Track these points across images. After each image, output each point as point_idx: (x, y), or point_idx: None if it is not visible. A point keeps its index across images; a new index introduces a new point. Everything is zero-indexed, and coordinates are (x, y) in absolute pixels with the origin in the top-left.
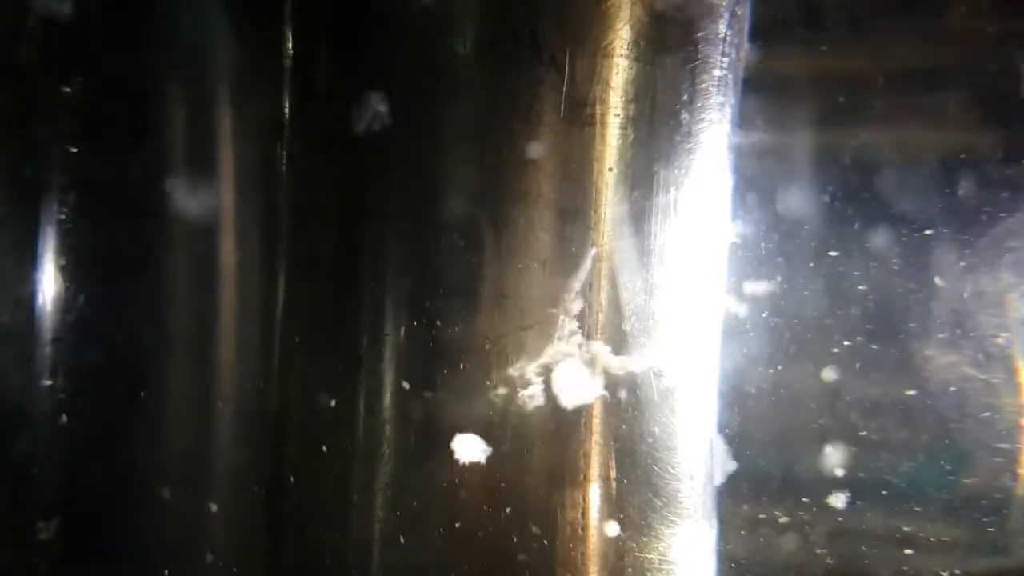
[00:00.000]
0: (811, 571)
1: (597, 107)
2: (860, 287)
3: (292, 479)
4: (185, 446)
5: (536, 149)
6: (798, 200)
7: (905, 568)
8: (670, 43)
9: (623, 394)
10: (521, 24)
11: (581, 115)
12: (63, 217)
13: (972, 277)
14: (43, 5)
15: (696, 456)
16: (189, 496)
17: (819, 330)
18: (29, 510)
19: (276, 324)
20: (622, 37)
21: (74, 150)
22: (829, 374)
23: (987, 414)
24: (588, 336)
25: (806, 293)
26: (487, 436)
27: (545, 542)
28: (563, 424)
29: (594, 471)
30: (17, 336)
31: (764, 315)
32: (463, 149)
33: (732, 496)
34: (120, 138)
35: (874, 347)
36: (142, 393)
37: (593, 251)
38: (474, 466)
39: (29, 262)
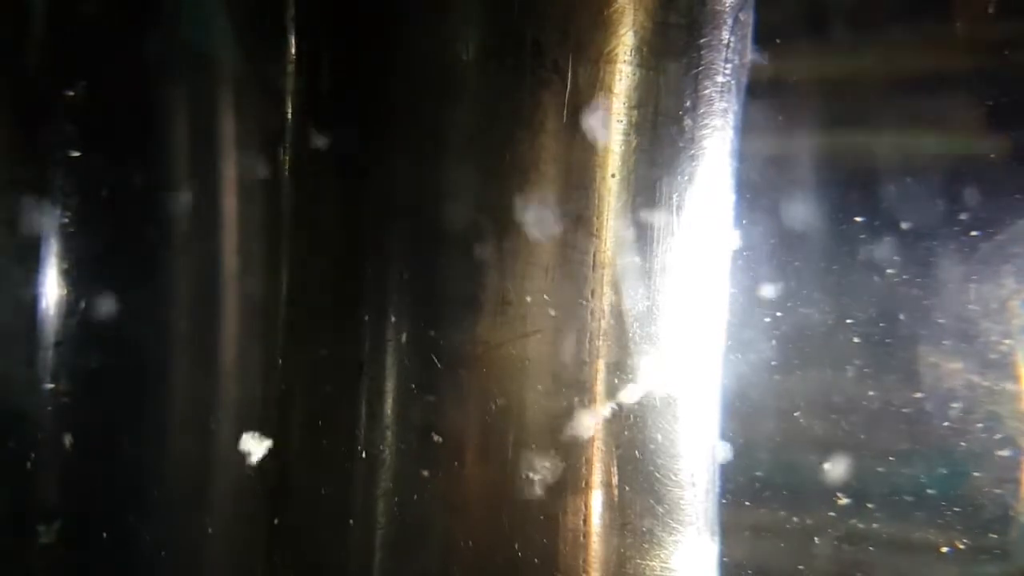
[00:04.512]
0: None
1: (600, 113)
2: (863, 294)
3: (293, 483)
4: (187, 450)
5: (538, 155)
6: (801, 207)
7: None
8: (673, 49)
9: (625, 401)
10: (523, 31)
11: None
12: (66, 221)
13: (975, 284)
14: None
15: (698, 463)
16: (190, 499)
17: (822, 337)
18: (30, 513)
19: (278, 329)
20: (625, 43)
21: (76, 154)
22: (832, 381)
23: (990, 421)
24: (591, 342)
25: (809, 300)
26: (488, 440)
27: (547, 549)
28: (565, 430)
29: (596, 478)
30: (19, 339)
31: (767, 322)
32: (465, 155)
33: (734, 503)
34: (122, 142)
35: (877, 354)
36: (144, 397)
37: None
38: (476, 471)
39: (32, 266)
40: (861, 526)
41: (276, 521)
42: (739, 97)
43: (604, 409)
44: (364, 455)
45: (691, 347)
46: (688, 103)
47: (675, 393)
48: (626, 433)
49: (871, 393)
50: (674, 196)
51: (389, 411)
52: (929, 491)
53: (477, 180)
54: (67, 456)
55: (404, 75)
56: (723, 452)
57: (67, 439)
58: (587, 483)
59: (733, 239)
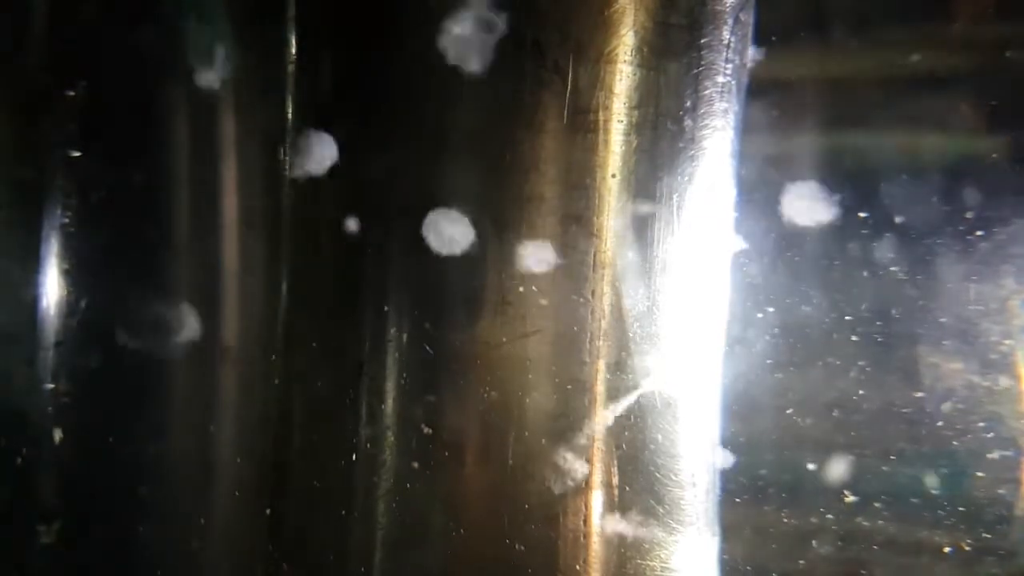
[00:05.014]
0: None
1: (600, 113)
2: (863, 294)
3: (293, 484)
4: (187, 451)
5: (539, 155)
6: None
7: None
8: (674, 49)
9: (625, 400)
10: (523, 31)
11: (584, 121)
12: (66, 221)
13: (975, 284)
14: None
15: (698, 463)
16: (190, 500)
17: (821, 336)
18: (30, 513)
19: (278, 329)
20: (625, 43)
21: (77, 154)
22: (832, 381)
23: (990, 421)
24: (591, 342)
25: (809, 299)
26: (487, 440)
27: (547, 549)
28: (565, 429)
29: (596, 478)
30: (20, 339)
31: (767, 322)
32: (465, 155)
33: (734, 503)
34: (123, 142)
35: (877, 354)
36: (144, 397)
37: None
38: (476, 472)
39: (32, 266)
40: (864, 525)
41: (276, 520)
42: (739, 97)
43: (604, 409)
44: (364, 454)
45: (691, 347)
46: (688, 103)
47: (675, 393)
48: (626, 433)
49: (872, 393)
50: (674, 196)
51: (389, 410)
52: (931, 491)
53: (477, 180)
54: (67, 456)
55: (404, 75)
56: (723, 452)
57: (67, 439)
58: (587, 483)
59: (733, 239)
